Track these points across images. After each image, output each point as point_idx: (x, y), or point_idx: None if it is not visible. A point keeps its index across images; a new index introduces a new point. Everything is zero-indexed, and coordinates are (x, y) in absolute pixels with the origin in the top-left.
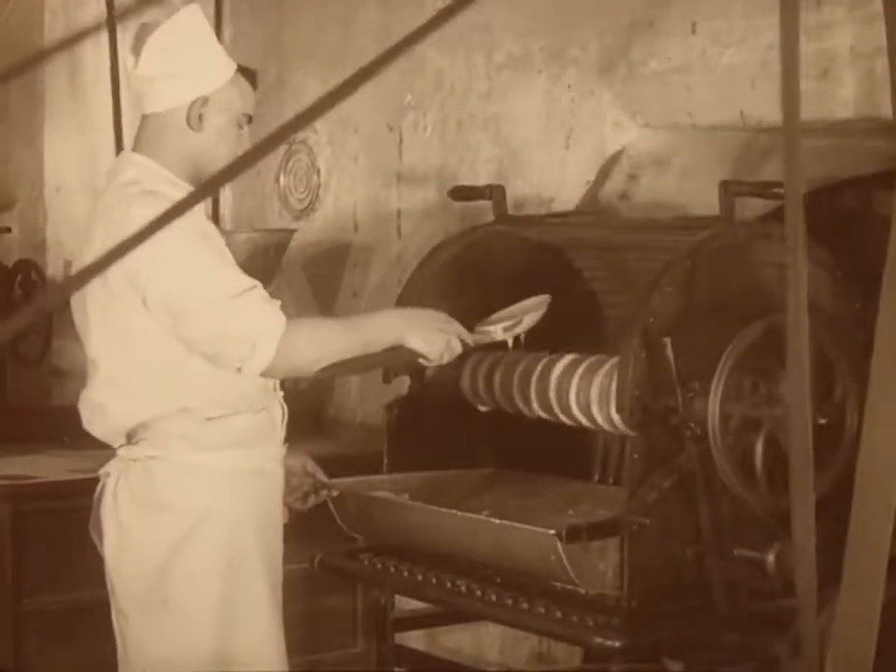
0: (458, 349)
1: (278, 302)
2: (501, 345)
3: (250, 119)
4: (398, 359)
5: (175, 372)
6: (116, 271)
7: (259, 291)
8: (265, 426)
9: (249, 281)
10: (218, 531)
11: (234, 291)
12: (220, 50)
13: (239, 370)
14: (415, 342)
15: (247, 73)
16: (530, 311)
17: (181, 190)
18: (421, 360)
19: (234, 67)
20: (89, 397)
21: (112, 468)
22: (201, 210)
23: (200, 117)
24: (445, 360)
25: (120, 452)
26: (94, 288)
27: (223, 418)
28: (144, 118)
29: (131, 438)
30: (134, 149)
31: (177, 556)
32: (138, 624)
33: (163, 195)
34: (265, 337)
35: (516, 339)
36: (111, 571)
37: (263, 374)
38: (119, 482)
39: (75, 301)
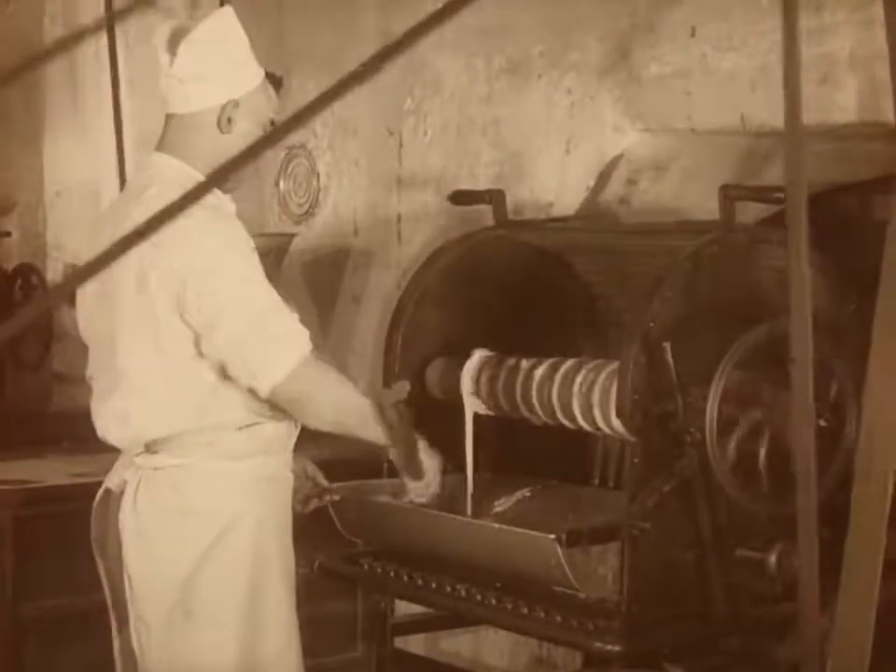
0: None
1: (307, 332)
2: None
3: (273, 124)
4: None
5: (208, 388)
6: (163, 281)
7: (291, 313)
8: (286, 434)
9: (281, 300)
10: (244, 539)
11: (267, 308)
12: (251, 54)
13: (250, 386)
14: (401, 463)
15: (273, 78)
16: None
17: (211, 195)
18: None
19: (263, 72)
20: (111, 405)
21: (129, 476)
22: (238, 220)
23: (230, 119)
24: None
25: (138, 460)
26: (128, 297)
27: (251, 427)
28: (170, 117)
29: (150, 447)
30: (160, 149)
31: (205, 563)
32: (161, 633)
33: (207, 203)
34: (284, 355)
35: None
36: (134, 580)
37: (272, 395)
38: (139, 490)
39: (91, 307)
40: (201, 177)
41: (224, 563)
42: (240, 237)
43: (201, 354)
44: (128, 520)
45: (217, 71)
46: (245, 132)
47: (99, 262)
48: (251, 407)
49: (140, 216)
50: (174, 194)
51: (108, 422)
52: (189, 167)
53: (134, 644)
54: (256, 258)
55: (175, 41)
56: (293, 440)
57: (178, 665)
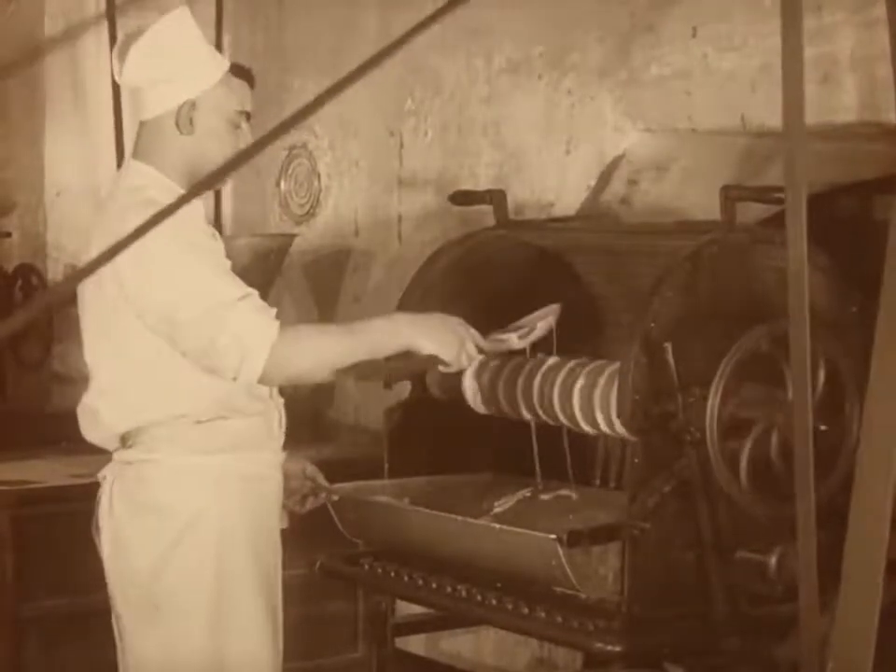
0: (475, 353)
1: (272, 311)
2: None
3: (248, 117)
4: (416, 366)
5: (168, 381)
6: (110, 280)
7: (251, 300)
8: (259, 431)
9: (241, 290)
10: (209, 534)
11: (223, 301)
12: (208, 51)
13: (234, 379)
14: (428, 345)
15: (242, 71)
16: (542, 318)
17: (168, 193)
18: (441, 367)
19: (225, 67)
20: (84, 402)
21: (108, 471)
22: (197, 217)
23: (190, 120)
24: (465, 364)
25: (115, 455)
26: (91, 295)
27: (213, 422)
28: (140, 124)
29: (125, 442)
30: (134, 156)
31: (168, 559)
32: (133, 628)
33: (161, 204)
34: (254, 346)
35: (532, 347)
36: (110, 575)
37: (260, 383)
38: (113, 485)
39: (79, 305)
40: (165, 180)
41: (187, 559)
42: (184, 235)
43: (161, 348)
44: (104, 515)
45: (166, 74)
46: (210, 129)
47: (91, 265)
48: (213, 401)
49: (98, 223)
50: (134, 198)
51: (85, 420)
52: (156, 171)
53: (116, 639)
54: (207, 252)
55: (123, 49)
56: (274, 439)
57: (149, 657)
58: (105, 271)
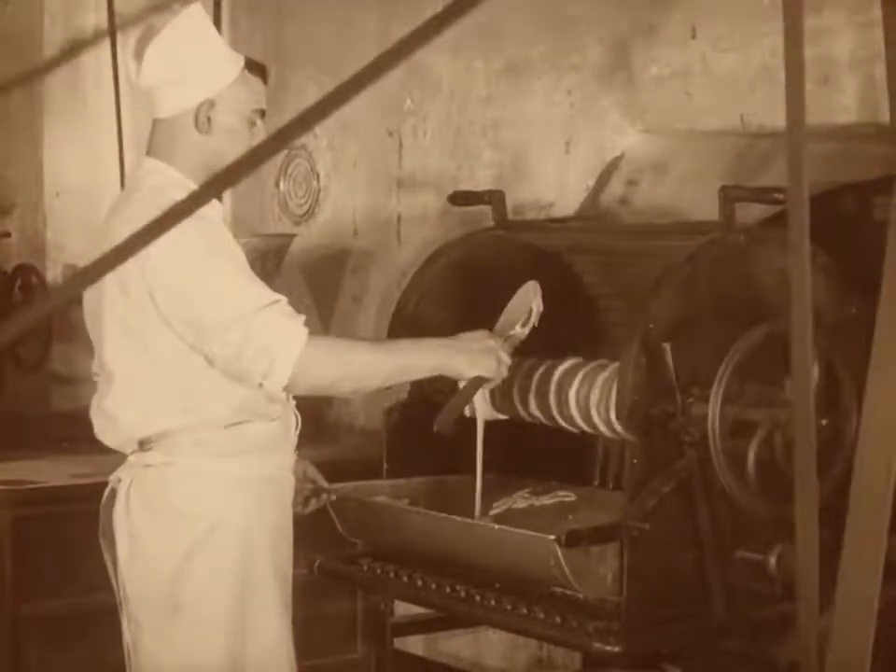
0: (508, 360)
1: (301, 318)
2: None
3: (263, 114)
4: (470, 392)
5: (192, 386)
6: (137, 283)
7: (280, 306)
8: (279, 434)
9: (269, 296)
10: (231, 537)
11: (252, 307)
12: (225, 49)
13: (261, 385)
14: (468, 369)
15: (257, 67)
16: (530, 300)
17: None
18: (485, 386)
19: (241, 64)
20: (102, 406)
21: (124, 473)
22: (218, 221)
23: (208, 119)
24: (504, 374)
25: (132, 458)
26: (113, 297)
27: (238, 426)
28: (154, 122)
29: (143, 445)
30: (149, 154)
31: (190, 563)
32: (151, 632)
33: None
34: (283, 353)
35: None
36: (124, 579)
37: (286, 390)
38: (131, 488)
39: (89, 307)
40: (184, 180)
41: (209, 561)
42: (212, 240)
43: (186, 352)
44: (121, 518)
45: (184, 74)
46: (228, 128)
47: (97, 267)
48: (237, 406)
49: (120, 222)
50: (158, 199)
51: (103, 424)
52: (174, 170)
53: (128, 643)
54: (234, 257)
55: (140, 48)
56: (291, 441)
57: (167, 661)
58: (132, 273)
